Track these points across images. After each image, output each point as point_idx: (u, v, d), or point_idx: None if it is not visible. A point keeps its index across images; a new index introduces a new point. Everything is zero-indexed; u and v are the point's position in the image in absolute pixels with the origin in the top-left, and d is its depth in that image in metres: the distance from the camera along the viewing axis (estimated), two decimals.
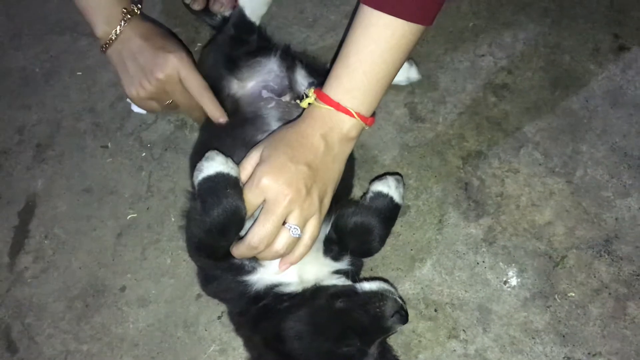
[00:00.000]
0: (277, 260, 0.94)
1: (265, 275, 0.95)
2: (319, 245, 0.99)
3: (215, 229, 0.88)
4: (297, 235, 0.90)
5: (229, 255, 0.92)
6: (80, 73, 1.35)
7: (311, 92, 0.94)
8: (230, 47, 1.17)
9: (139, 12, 1.12)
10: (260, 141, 0.97)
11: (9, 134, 1.31)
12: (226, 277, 0.96)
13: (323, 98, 0.93)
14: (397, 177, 1.06)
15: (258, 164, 0.91)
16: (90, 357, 1.08)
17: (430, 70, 1.29)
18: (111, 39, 1.09)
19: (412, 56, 1.26)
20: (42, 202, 1.22)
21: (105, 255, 1.16)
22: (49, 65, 1.38)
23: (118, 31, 1.09)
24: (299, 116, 0.97)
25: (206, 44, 1.34)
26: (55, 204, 1.22)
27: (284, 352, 0.90)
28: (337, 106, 0.91)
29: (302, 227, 0.91)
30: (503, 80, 1.28)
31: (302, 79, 1.12)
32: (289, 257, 0.93)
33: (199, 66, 1.13)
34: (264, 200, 0.89)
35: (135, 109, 1.24)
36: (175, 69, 1.07)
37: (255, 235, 0.88)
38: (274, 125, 1.04)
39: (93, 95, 1.33)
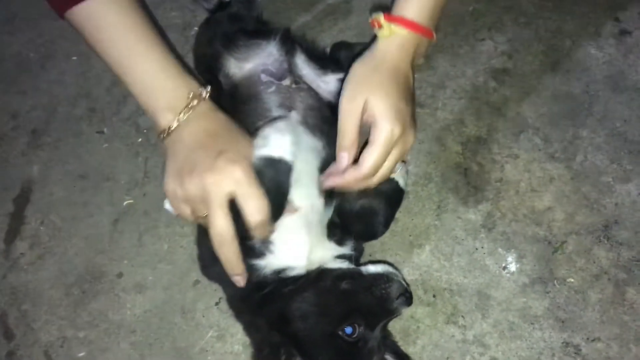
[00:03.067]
0: (286, 247, 0.94)
1: (274, 261, 0.94)
2: (323, 229, 0.98)
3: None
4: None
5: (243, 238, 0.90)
6: (75, 58, 1.34)
7: (382, 20, 0.93)
8: (227, 23, 1.15)
9: (207, 97, 0.93)
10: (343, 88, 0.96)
11: (3, 119, 1.29)
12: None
13: (400, 21, 0.93)
14: (402, 162, 1.05)
15: (378, 113, 0.90)
16: (88, 344, 1.07)
17: (429, 55, 1.28)
18: (170, 127, 0.90)
19: None
20: (38, 188, 1.21)
21: (102, 241, 1.15)
22: (44, 50, 1.36)
23: (181, 119, 0.90)
24: (371, 49, 0.96)
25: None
26: (51, 190, 1.21)
27: (288, 333, 0.90)
28: (417, 27, 0.93)
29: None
30: (503, 65, 1.26)
31: (301, 62, 1.11)
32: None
33: (195, 47, 1.11)
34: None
35: (168, 205, 0.96)
36: (233, 184, 0.85)
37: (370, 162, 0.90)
38: (275, 111, 1.02)
39: (89, 81, 1.31)
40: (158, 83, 0.92)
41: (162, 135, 0.92)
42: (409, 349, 1.03)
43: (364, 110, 0.92)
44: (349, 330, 0.89)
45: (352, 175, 0.92)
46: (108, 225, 1.17)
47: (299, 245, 0.95)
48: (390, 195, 1.02)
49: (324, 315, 0.90)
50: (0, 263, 1.15)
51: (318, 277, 0.94)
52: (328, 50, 1.13)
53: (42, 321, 1.10)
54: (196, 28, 1.36)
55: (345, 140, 0.93)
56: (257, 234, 0.89)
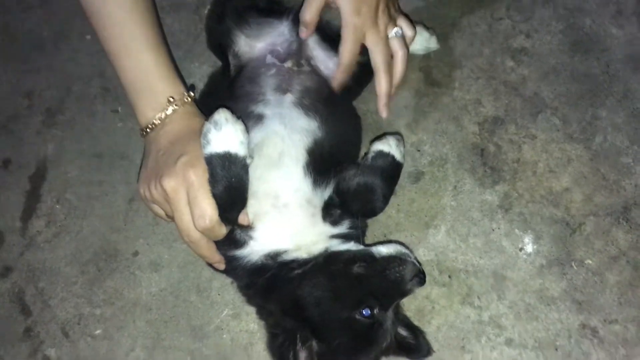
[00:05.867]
0: (266, 232, 0.93)
1: (257, 247, 0.94)
2: (316, 211, 0.97)
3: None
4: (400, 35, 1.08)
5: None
6: (89, 37, 1.32)
7: None
8: None
9: (188, 101, 0.96)
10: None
11: (18, 98, 1.29)
12: (221, 252, 0.95)
13: None
14: (397, 136, 1.04)
15: (342, 6, 1.02)
16: (104, 321, 1.08)
17: (446, 34, 1.26)
18: (149, 126, 0.95)
19: (429, 22, 1.24)
20: (53, 166, 1.21)
21: (117, 220, 1.16)
22: (58, 29, 1.35)
23: (158, 120, 0.94)
24: None
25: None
26: (66, 169, 1.21)
27: (303, 318, 0.90)
28: None
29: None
30: (521, 44, 1.24)
31: (313, 43, 1.10)
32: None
33: (206, 23, 1.11)
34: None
35: None
36: (188, 187, 0.88)
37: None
38: (269, 95, 1.02)
39: (103, 59, 1.29)
40: (145, 82, 0.96)
41: (142, 133, 0.97)
42: (424, 330, 1.02)
43: None
44: (366, 312, 0.89)
45: (338, 72, 1.06)
46: (123, 204, 1.17)
47: (279, 229, 0.94)
48: (387, 170, 1.00)
49: (338, 300, 0.90)
50: (17, 241, 1.15)
51: (327, 261, 0.93)
52: None
53: (59, 298, 1.10)
54: (209, 7, 1.34)
55: (305, 15, 1.05)
56: (209, 236, 0.90)
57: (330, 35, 1.11)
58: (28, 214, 1.17)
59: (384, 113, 1.11)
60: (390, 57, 1.08)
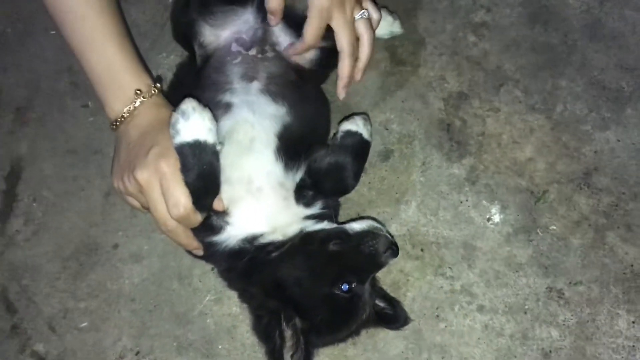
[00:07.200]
0: (242, 216, 0.96)
1: (233, 232, 0.96)
2: (289, 193, 0.99)
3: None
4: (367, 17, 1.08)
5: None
6: (54, 32, 1.32)
7: None
8: None
9: (155, 93, 0.97)
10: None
11: None
12: (199, 238, 0.97)
13: None
14: (364, 115, 1.06)
15: None
16: (89, 314, 1.10)
17: (409, 12, 1.28)
18: (117, 120, 0.96)
19: (392, 1, 1.25)
20: (28, 165, 1.22)
21: (95, 214, 1.17)
22: (21, 26, 1.35)
23: (127, 113, 0.95)
24: None
25: None
26: (41, 167, 1.22)
27: (285, 298, 0.94)
28: None
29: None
30: (482, 19, 1.27)
31: (279, 30, 1.11)
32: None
33: (171, 14, 1.12)
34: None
35: None
36: (160, 178, 0.88)
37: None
38: (236, 84, 1.03)
39: (69, 54, 1.27)
40: (111, 76, 0.96)
41: (112, 127, 0.97)
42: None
43: None
44: (345, 287, 0.93)
45: (298, 46, 1.06)
46: (100, 198, 1.18)
47: (255, 212, 0.97)
48: (356, 148, 1.02)
49: (317, 277, 0.94)
50: None
51: (303, 241, 0.97)
52: (307, 14, 1.12)
53: (43, 294, 1.12)
54: None
55: (270, 3, 1.04)
56: (185, 224, 0.92)
57: (295, 20, 1.12)
58: (6, 214, 1.18)
59: (341, 95, 1.12)
60: (355, 39, 1.08)
